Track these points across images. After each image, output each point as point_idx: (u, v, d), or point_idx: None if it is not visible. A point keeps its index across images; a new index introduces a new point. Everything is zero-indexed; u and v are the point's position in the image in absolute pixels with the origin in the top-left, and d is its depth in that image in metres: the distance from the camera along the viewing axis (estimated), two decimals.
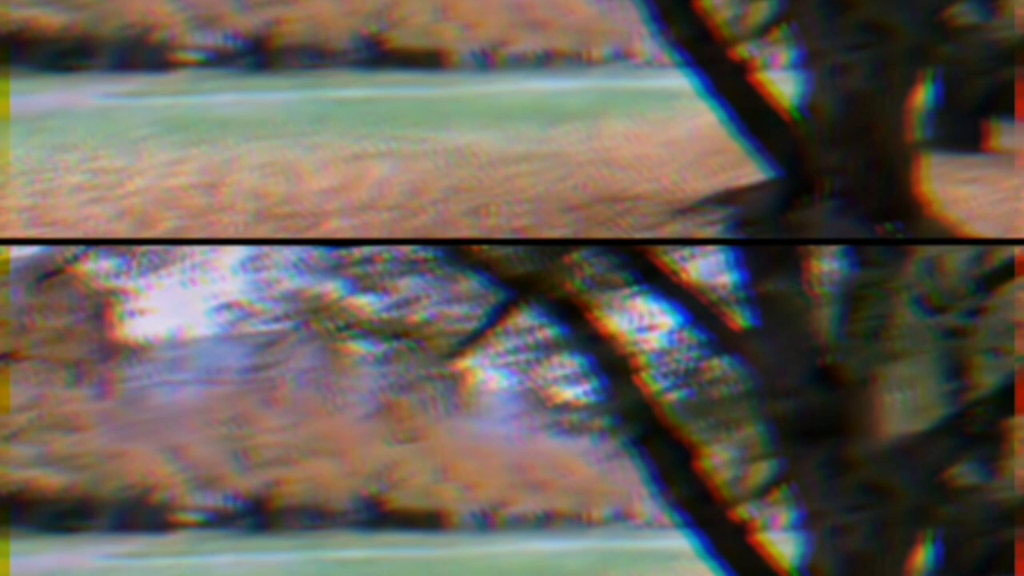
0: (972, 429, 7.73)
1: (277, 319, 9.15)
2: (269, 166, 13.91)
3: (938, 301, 9.60)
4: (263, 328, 8.91)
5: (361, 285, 9.13)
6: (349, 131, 17.43)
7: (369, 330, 9.04)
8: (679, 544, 9.21)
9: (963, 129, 16.58)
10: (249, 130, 17.23)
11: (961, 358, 9.88)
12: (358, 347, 8.96)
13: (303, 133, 17.11)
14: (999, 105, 17.29)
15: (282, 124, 18.08)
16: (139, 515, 50.23)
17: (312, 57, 42.95)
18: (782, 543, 8.65)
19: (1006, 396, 7.71)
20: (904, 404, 9.55)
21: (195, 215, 11.02)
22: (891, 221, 9.40)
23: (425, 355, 9.15)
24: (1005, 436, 8.74)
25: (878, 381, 8.13)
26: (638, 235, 10.22)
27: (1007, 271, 9.51)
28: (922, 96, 9.93)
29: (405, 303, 9.11)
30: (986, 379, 8.62)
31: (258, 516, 50.63)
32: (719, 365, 9.03)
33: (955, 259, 9.41)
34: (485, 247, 8.77)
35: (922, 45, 9.38)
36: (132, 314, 9.41)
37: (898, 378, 8.66)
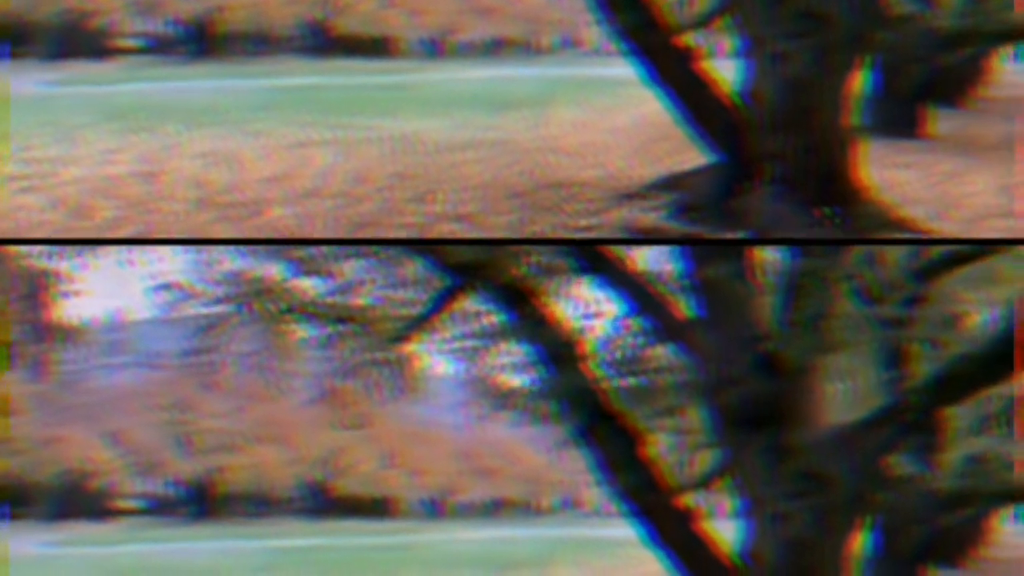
0: (909, 418, 7.84)
1: (218, 301, 9.05)
2: (210, 154, 13.78)
3: (877, 292, 9.74)
4: (203, 310, 8.81)
5: (304, 268, 9.08)
6: (293, 119, 17.30)
7: (312, 313, 8.98)
8: (626, 532, 9.27)
9: (899, 115, 16.83)
10: (190, 118, 17.05)
11: (899, 348, 10.04)
12: (301, 330, 8.89)
13: (246, 121, 16.95)
14: (935, 92, 17.56)
15: (224, 112, 17.89)
16: (77, 502, 49.56)
17: (255, 44, 42.56)
18: (725, 530, 8.72)
19: (942, 386, 7.83)
20: (843, 393, 9.68)
21: (133, 204, 10.89)
22: (829, 205, 9.53)
23: (370, 339, 9.10)
24: (941, 426, 8.89)
25: (818, 370, 8.23)
26: (582, 221, 10.25)
27: (944, 264, 9.66)
28: (860, 83, 10.07)
29: (349, 287, 9.06)
30: (923, 369, 8.75)
31: (201, 503, 50.21)
32: (663, 353, 9.08)
33: (894, 250, 9.54)
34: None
35: (860, 33, 9.53)
36: (67, 295, 9.27)
37: (838, 367, 8.77)
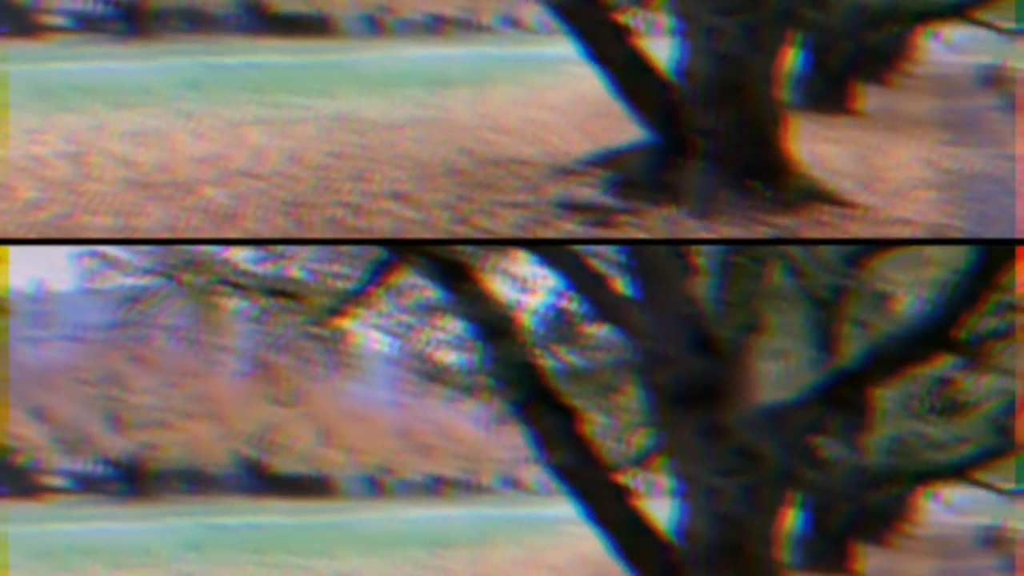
0: (839, 398, 7.97)
1: (145, 272, 8.92)
2: (140, 134, 13.59)
3: (809, 274, 9.88)
4: (130, 281, 8.66)
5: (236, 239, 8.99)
6: (225, 98, 17.09)
7: (244, 286, 8.89)
8: (565, 511, 9.32)
9: (828, 91, 17.10)
10: (119, 97, 16.78)
11: (830, 328, 10.19)
12: (233, 303, 8.78)
13: (176, 100, 16.73)
14: (862, 69, 17.86)
15: (155, 92, 17.63)
16: (2, 479, 48.68)
17: (188, 23, 41.98)
18: (661, 508, 8.80)
19: (872, 366, 7.96)
20: (776, 372, 9.81)
21: (59, 184, 10.73)
22: (760, 179, 9.65)
23: (303, 313, 9.03)
24: (870, 405, 9.04)
25: (752, 350, 8.32)
26: (520, 197, 10.27)
27: (875, 246, 9.80)
28: (790, 60, 10.18)
29: (282, 259, 9.00)
30: (852, 349, 8.89)
31: (131, 481, 49.55)
32: (600, 331, 9.12)
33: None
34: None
35: (790, 11, 9.65)
36: None
37: (770, 347, 8.88)
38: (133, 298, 8.69)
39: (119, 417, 47.35)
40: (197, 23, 42.15)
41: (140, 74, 20.66)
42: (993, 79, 20.82)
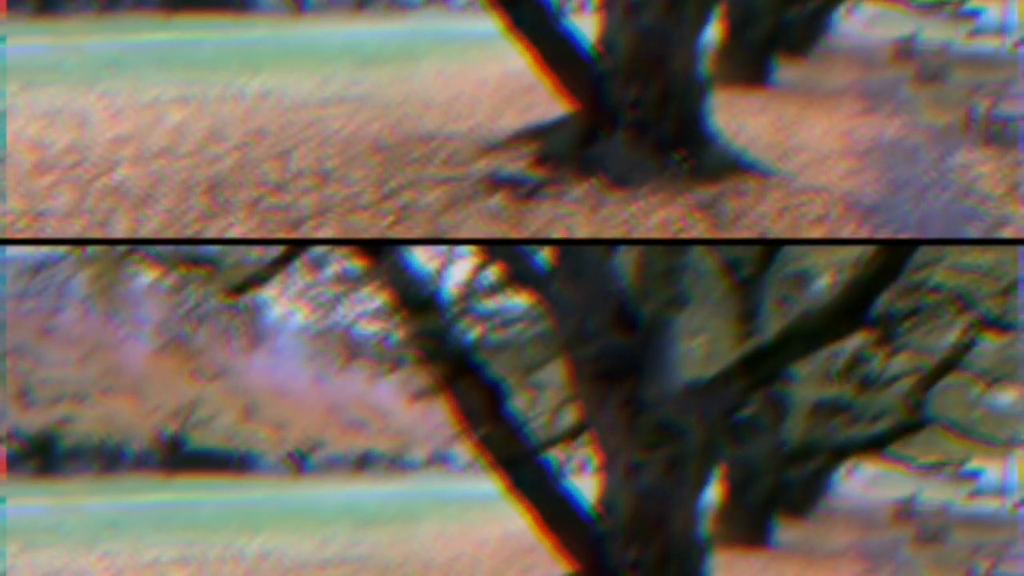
0: (759, 373, 8.01)
1: (52, 240, 8.65)
2: (53, 115, 13.21)
3: (730, 252, 9.94)
4: (36, 251, 8.39)
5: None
6: (144, 77, 16.70)
7: (156, 255, 8.65)
8: (491, 487, 9.28)
9: (748, 65, 17.23)
10: (31, 76, 16.30)
11: (750, 305, 10.25)
12: (145, 274, 8.53)
13: (91, 80, 16.30)
14: (781, 42, 18.04)
15: (68, 71, 17.17)
16: None
17: (101, 3, 41.11)
18: (584, 484, 8.79)
19: (790, 342, 8.01)
20: (697, 348, 9.86)
21: None
22: (682, 150, 9.66)
23: (220, 284, 8.81)
24: (789, 381, 9.11)
25: (674, 325, 8.34)
26: (446, 172, 10.19)
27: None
28: (711, 33, 10.19)
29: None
30: (773, 326, 8.94)
31: (43, 458, 48.59)
32: (523, 306, 9.09)
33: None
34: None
35: None
36: None
37: (692, 323, 8.91)
38: (39, 267, 8.40)
39: (30, 392, 46.31)
40: (110, 3, 41.31)
41: (54, 53, 20.13)
42: (907, 52, 21.09)
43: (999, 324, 8.98)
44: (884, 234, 8.04)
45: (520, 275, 8.37)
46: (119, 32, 26.05)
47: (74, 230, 8.49)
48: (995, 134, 12.86)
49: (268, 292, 8.70)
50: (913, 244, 7.54)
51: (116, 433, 47.96)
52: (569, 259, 8.25)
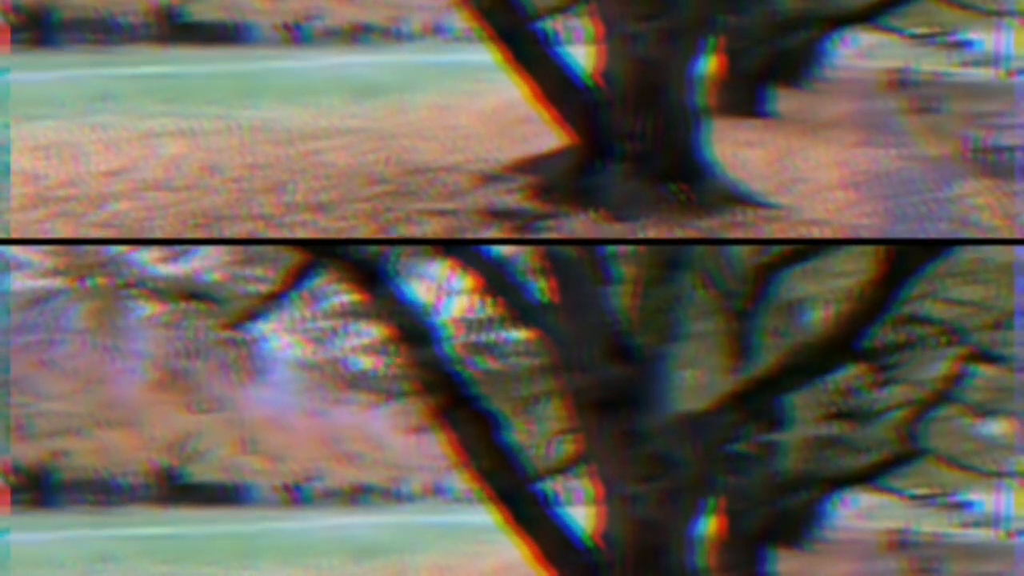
0: (753, 405, 8.10)
1: (52, 273, 8.71)
2: (48, 148, 13.27)
3: (724, 284, 10.04)
4: (36, 283, 8.46)
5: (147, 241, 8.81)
6: (139, 109, 16.76)
7: (155, 289, 8.74)
8: (487, 518, 9.32)
9: (744, 95, 17.35)
10: (25, 109, 16.32)
11: (744, 337, 10.35)
12: (144, 307, 8.62)
13: (86, 112, 16.34)
14: (776, 73, 18.16)
15: (63, 103, 17.23)
16: None
17: (101, 32, 41.23)
18: (580, 514, 8.84)
19: (783, 375, 8.11)
20: (692, 380, 9.95)
21: None
22: (679, 182, 9.76)
23: (218, 318, 8.89)
24: (783, 412, 9.20)
25: (669, 357, 8.42)
26: (444, 205, 10.28)
27: (788, 258, 9.97)
28: (707, 64, 10.32)
29: (197, 261, 8.88)
30: (767, 358, 9.02)
31: (39, 491, 48.33)
32: (519, 337, 9.17)
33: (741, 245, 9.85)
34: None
35: (708, 16, 9.78)
36: None
37: (687, 355, 8.99)
38: (39, 300, 8.51)
39: (27, 425, 46.19)
40: (108, 32, 41.41)
41: (48, 85, 20.22)
42: (901, 82, 21.28)
43: (991, 356, 9.12)
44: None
45: (517, 307, 8.47)
46: (115, 64, 26.18)
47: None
48: (991, 165, 13.01)
49: (265, 324, 8.84)
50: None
51: (112, 466, 47.81)
52: (566, 292, 8.35)
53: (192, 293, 8.79)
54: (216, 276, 8.93)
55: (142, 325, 8.76)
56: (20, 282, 8.60)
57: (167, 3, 41.42)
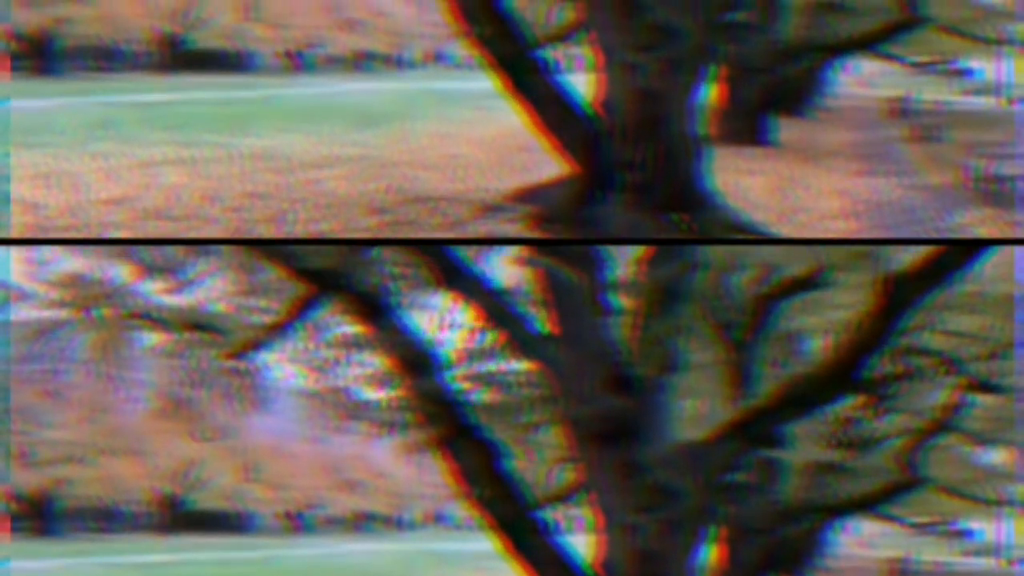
0: (754, 435, 8.20)
1: (57, 304, 8.81)
2: (48, 176, 13.35)
3: (723, 314, 10.15)
4: (41, 314, 8.56)
5: (153, 272, 8.92)
6: (140, 137, 16.86)
7: (160, 319, 8.85)
8: (488, 545, 9.40)
9: (745, 124, 17.44)
10: (25, 137, 16.41)
11: (743, 368, 10.45)
12: (149, 337, 8.73)
13: (87, 140, 16.42)
14: (777, 101, 18.26)
15: (63, 131, 17.32)
16: None
17: (103, 59, 41.42)
18: (581, 543, 8.91)
19: (783, 405, 8.21)
20: (692, 410, 10.04)
21: None
22: (680, 212, 9.86)
23: (221, 348, 9.00)
24: (783, 442, 9.26)
25: (669, 388, 8.51)
26: (444, 234, 10.38)
27: (787, 290, 10.07)
28: (707, 93, 10.44)
29: (201, 292, 8.99)
30: (767, 388, 9.11)
31: (41, 519, 48.22)
32: (520, 368, 9.28)
33: (741, 276, 9.96)
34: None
35: (708, 45, 9.88)
36: None
37: (687, 385, 9.09)
38: (44, 331, 8.63)
39: (31, 453, 46.17)
40: (110, 60, 41.60)
41: (48, 113, 20.34)
42: (902, 110, 21.43)
43: (989, 387, 9.25)
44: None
45: (518, 339, 8.58)
46: (116, 92, 26.34)
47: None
48: (993, 194, 13.13)
49: (268, 354, 8.98)
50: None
51: (115, 495, 47.79)
52: (566, 323, 8.46)
53: (196, 323, 8.91)
54: (220, 307, 9.04)
55: (146, 355, 8.89)
56: (25, 313, 8.72)
57: (169, 31, 41.67)
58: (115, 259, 8.54)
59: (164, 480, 48.37)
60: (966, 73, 24.87)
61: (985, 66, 25.18)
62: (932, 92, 23.75)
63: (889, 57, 21.72)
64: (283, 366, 8.94)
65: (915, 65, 22.48)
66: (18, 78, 32.78)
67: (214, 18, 42.00)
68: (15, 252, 8.56)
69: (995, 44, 20.56)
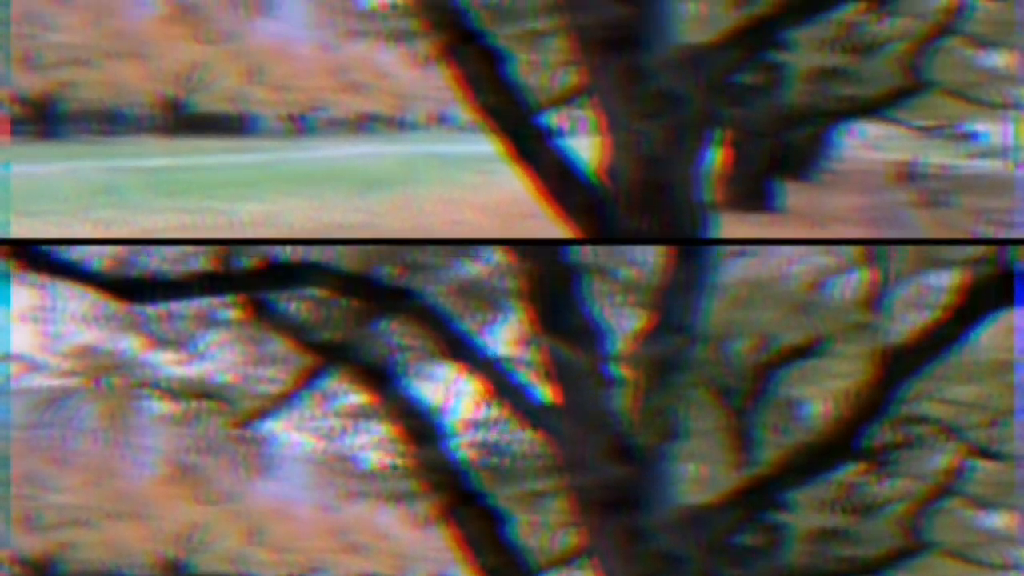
0: (755, 503, 8.45)
1: (69, 374, 9.10)
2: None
3: (725, 383, 10.41)
4: (52, 383, 8.87)
5: (162, 342, 9.20)
6: (141, 203, 17.13)
7: (169, 389, 9.15)
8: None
9: (750, 189, 17.63)
10: (27, 204, 16.64)
11: (745, 435, 10.70)
12: (157, 406, 9.04)
13: (89, 207, 16.66)
14: (783, 166, 18.47)
15: (65, 197, 17.58)
16: None
17: (106, 123, 41.83)
18: None
19: (785, 474, 8.47)
20: (695, 476, 10.29)
21: None
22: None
23: (229, 416, 9.30)
24: (788, 507, 9.51)
25: (671, 455, 8.78)
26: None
27: (786, 358, 10.33)
28: (713, 158, 10.64)
29: (209, 362, 9.28)
30: (768, 455, 9.37)
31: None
32: (524, 437, 9.56)
33: (740, 345, 10.23)
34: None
35: (713, 111, 10.05)
36: None
37: (690, 452, 9.34)
38: (54, 400, 8.95)
39: (37, 517, 45.85)
40: (113, 124, 42.01)
41: (49, 178, 20.62)
42: (909, 174, 21.77)
43: (990, 454, 9.52)
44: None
45: (522, 408, 8.88)
46: (117, 157, 26.71)
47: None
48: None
49: (275, 422, 9.32)
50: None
51: (120, 558, 47.71)
52: (569, 393, 8.76)
53: (205, 392, 9.23)
54: (229, 377, 9.37)
55: (154, 423, 9.19)
56: (37, 382, 9.05)
57: (172, 94, 42.19)
58: (127, 331, 8.87)
59: (167, 544, 48.22)
60: (972, 137, 25.27)
61: (991, 129, 25.55)
62: (939, 156, 24.10)
63: (895, 121, 22.13)
64: (289, 434, 9.26)
65: (921, 129, 22.87)
66: (20, 142, 33.16)
67: (217, 81, 42.57)
68: (31, 326, 8.89)
69: (1001, 108, 20.95)
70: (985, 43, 18.36)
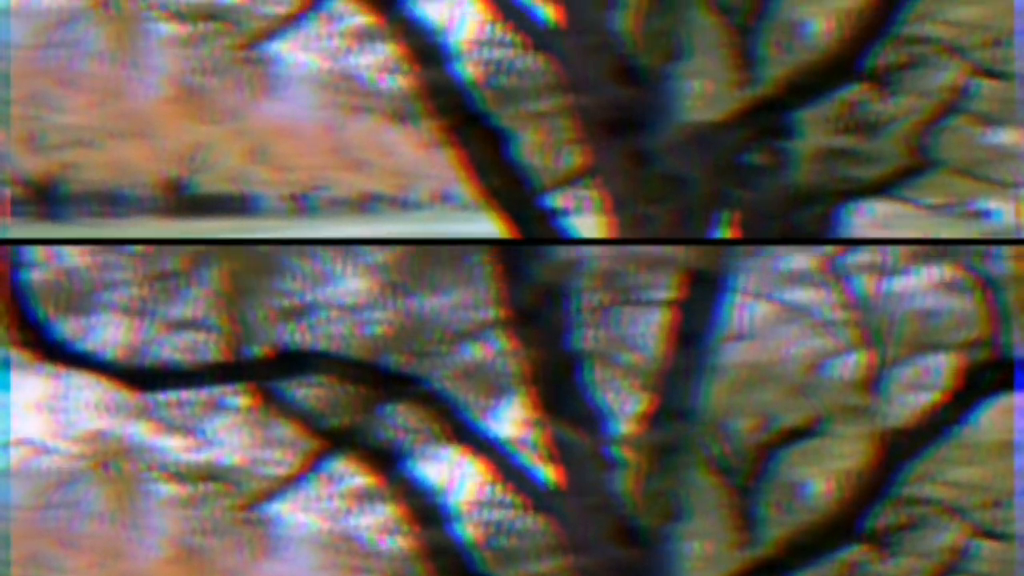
0: (761, 123, 8.51)
1: (78, 458, 9.34)
2: None
3: (726, 463, 10.67)
4: (61, 467, 9.13)
5: (171, 428, 9.45)
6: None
7: (176, 472, 9.40)
8: None
9: None
10: None
11: (747, 513, 10.93)
12: (165, 489, 9.29)
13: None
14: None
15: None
16: None
17: (109, 205, 42.32)
18: None
19: (789, 553, 8.71)
20: (699, 554, 10.52)
21: None
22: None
23: (236, 498, 9.56)
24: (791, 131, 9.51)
25: (674, 536, 9.01)
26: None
27: (787, 438, 10.60)
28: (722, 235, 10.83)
29: (217, 447, 9.56)
30: (770, 535, 9.61)
31: None
32: (531, 520, 9.78)
33: (741, 424, 10.49)
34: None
35: (720, 193, 10.30)
36: None
37: (692, 531, 9.56)
38: (63, 481, 9.22)
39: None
40: (114, 205, 42.45)
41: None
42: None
43: (993, 73, 9.44)
44: None
45: (526, 491, 9.16)
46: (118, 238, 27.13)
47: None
48: None
49: (280, 504, 9.58)
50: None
51: None
52: (572, 475, 9.04)
53: (212, 475, 9.51)
54: (236, 460, 9.66)
55: (160, 504, 9.44)
56: (46, 464, 9.34)
57: (175, 175, 42.78)
58: (137, 418, 9.18)
59: None
60: (985, 215, 25.60)
61: (1003, 207, 25.87)
62: (950, 234, 24.41)
63: (904, 200, 22.37)
64: (296, 515, 9.50)
65: (931, 207, 23.14)
66: (22, 223, 33.70)
67: (220, 161, 43.14)
68: (46, 413, 9.21)
69: (1011, 187, 21.22)
70: (991, 121, 18.67)
